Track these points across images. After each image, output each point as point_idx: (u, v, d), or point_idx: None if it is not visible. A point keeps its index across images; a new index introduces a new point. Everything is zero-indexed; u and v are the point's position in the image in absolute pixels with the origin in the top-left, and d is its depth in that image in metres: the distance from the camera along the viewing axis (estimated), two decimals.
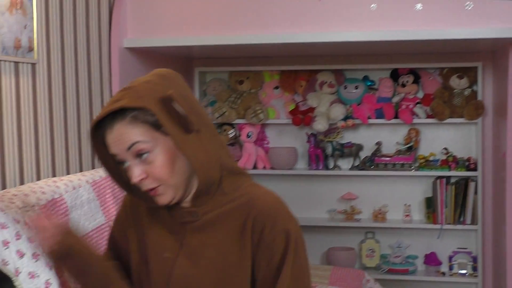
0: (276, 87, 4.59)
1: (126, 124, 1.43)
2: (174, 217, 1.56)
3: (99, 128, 1.48)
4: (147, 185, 1.47)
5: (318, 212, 4.56)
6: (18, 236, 1.77)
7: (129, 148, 1.44)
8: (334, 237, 4.61)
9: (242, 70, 4.54)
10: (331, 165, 4.47)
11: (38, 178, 2.54)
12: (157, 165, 1.45)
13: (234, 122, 4.54)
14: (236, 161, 1.59)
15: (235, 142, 4.63)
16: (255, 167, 4.58)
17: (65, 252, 1.56)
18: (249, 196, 1.53)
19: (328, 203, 4.59)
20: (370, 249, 4.51)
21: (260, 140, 4.65)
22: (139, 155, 1.44)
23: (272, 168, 4.57)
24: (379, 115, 4.34)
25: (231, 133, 4.59)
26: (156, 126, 1.44)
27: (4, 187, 2.31)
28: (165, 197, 1.49)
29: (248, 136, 4.54)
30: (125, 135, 1.43)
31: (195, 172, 1.47)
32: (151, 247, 1.59)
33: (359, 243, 4.57)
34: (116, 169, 1.55)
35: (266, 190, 1.57)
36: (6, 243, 1.73)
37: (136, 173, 1.45)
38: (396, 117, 4.30)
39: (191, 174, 1.50)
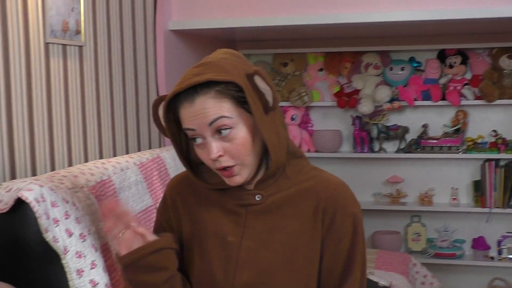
0: (321, 69, 4.54)
1: (211, 98, 1.38)
2: (234, 199, 1.52)
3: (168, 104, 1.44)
4: (223, 162, 1.42)
5: (364, 196, 4.50)
6: (67, 216, 1.77)
7: (212, 122, 1.38)
8: (379, 221, 4.56)
9: (286, 52, 4.49)
10: (377, 148, 4.41)
11: (86, 160, 2.55)
12: (237, 142, 1.40)
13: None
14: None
15: None
16: None
17: (132, 264, 1.46)
18: (316, 179, 1.51)
19: (373, 186, 4.55)
20: (416, 233, 4.45)
21: (304, 123, 4.61)
22: (219, 131, 1.39)
23: (316, 151, 4.53)
24: (426, 97, 4.26)
25: None
26: (240, 102, 1.40)
27: (53, 169, 2.33)
28: (239, 178, 1.45)
29: (292, 119, 4.51)
30: (209, 110, 1.38)
31: (265, 153, 1.46)
32: (209, 231, 1.55)
33: (404, 226, 4.52)
34: (181, 146, 1.52)
35: (331, 174, 1.56)
36: (56, 221, 1.73)
37: (216, 149, 1.40)
38: (443, 98, 4.21)
39: (262, 156, 1.49)
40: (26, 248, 1.70)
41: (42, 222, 1.68)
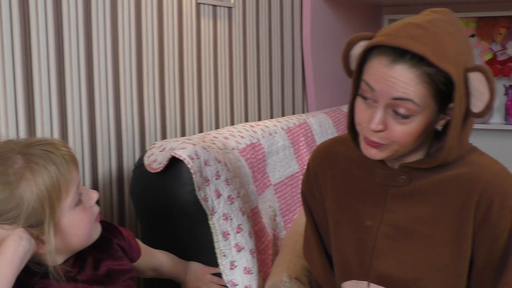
0: (472, 35, 4.26)
1: (413, 74, 1.16)
2: (375, 177, 1.36)
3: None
4: (376, 137, 1.23)
5: None
6: (217, 176, 1.72)
7: (397, 99, 1.18)
8: None
9: None
10: None
11: (232, 123, 2.52)
12: (407, 130, 1.20)
13: None
14: None
15: None
16: None
17: None
18: (472, 165, 1.28)
19: None
20: None
21: None
22: (397, 108, 1.19)
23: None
24: None
25: None
26: (439, 95, 1.19)
27: (201, 131, 2.30)
28: (379, 154, 1.26)
29: None
30: (404, 85, 1.17)
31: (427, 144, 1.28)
32: (346, 210, 1.40)
33: None
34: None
35: (491, 159, 1.33)
36: (207, 180, 1.68)
37: (378, 120, 1.20)
38: None
39: (423, 142, 1.29)
40: (178, 207, 1.67)
41: (197, 179, 1.63)
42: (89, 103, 1.76)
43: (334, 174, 1.44)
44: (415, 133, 1.22)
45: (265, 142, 2.19)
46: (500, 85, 4.18)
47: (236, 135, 2.07)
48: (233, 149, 1.95)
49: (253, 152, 2.07)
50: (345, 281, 1.41)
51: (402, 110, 1.19)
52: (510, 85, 4.08)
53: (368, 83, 1.22)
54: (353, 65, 1.29)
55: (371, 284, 1.35)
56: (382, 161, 1.33)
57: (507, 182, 1.28)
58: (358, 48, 1.28)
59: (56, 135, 1.65)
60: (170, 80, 2.11)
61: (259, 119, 2.75)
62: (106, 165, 1.85)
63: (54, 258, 1.15)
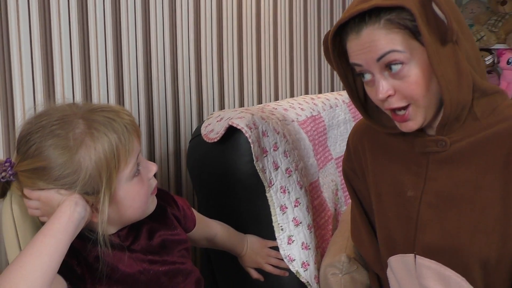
0: None
1: (379, 29, 1.15)
2: (415, 146, 1.29)
3: (337, 35, 1.23)
4: (394, 103, 1.19)
5: None
6: (275, 148, 1.66)
7: (380, 58, 1.15)
8: None
9: None
10: None
11: (292, 95, 2.46)
12: (411, 80, 1.16)
13: (493, 47, 4.11)
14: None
15: (492, 69, 4.21)
16: None
17: None
18: (510, 119, 1.20)
19: None
20: None
21: None
22: (389, 66, 1.16)
23: None
24: None
25: (489, 59, 4.17)
26: (415, 33, 1.15)
27: (259, 103, 2.25)
28: (413, 123, 1.20)
29: (508, 63, 4.09)
30: (378, 42, 1.15)
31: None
32: (387, 184, 1.34)
33: None
34: (354, 85, 1.31)
35: None
36: (265, 151, 1.62)
37: (385, 87, 1.18)
38: None
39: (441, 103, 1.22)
40: (236, 178, 1.61)
41: (255, 149, 1.57)
42: (146, 73, 1.73)
43: (373, 148, 1.39)
44: (420, 79, 1.17)
45: (325, 115, 2.11)
46: None
47: (296, 107, 2.00)
48: (293, 121, 1.89)
49: (314, 124, 2.00)
50: (390, 256, 1.36)
51: (392, 63, 1.16)
52: None
53: (354, 63, 1.21)
54: (333, 60, 1.28)
55: (418, 256, 1.29)
56: (420, 130, 1.27)
57: None
58: (329, 46, 1.27)
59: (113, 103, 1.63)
60: (228, 51, 2.06)
61: (320, 92, 2.68)
62: (163, 136, 1.82)
63: (106, 227, 1.11)
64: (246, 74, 2.16)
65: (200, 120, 1.94)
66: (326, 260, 1.59)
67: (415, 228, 1.28)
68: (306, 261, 1.63)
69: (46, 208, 1.08)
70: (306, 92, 2.56)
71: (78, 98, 1.52)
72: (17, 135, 1.10)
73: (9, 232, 1.13)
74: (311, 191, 1.77)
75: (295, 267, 1.61)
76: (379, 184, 1.37)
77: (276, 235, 1.62)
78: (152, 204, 1.22)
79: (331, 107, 2.18)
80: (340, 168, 2.09)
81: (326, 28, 2.71)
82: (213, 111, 1.99)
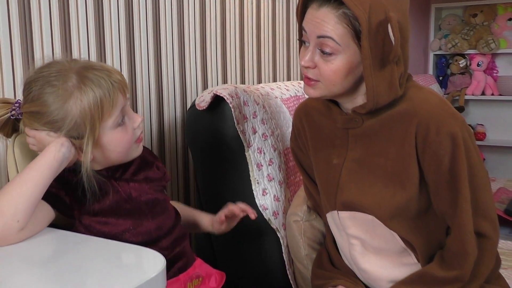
0: (510, 19, 3.80)
1: (333, 15, 1.05)
2: (337, 123, 1.21)
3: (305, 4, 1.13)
4: (310, 73, 1.11)
5: None
6: (254, 115, 1.52)
7: (320, 37, 1.07)
8: None
9: (477, 4, 3.83)
10: None
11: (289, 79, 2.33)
12: (332, 68, 1.08)
13: (465, 52, 3.89)
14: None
15: (465, 71, 3.99)
16: (483, 94, 3.92)
17: None
18: (411, 100, 1.13)
19: None
20: None
21: (490, 69, 3.92)
22: (323, 47, 1.07)
23: (500, 94, 3.86)
24: None
25: (462, 62, 3.95)
26: (358, 36, 1.05)
27: (259, 83, 2.13)
28: (313, 92, 1.13)
29: (478, 65, 3.87)
30: (326, 24, 1.06)
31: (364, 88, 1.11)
32: (320, 155, 1.27)
33: None
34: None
35: (428, 92, 1.15)
36: (245, 118, 1.49)
37: (307, 57, 1.09)
38: None
39: (360, 85, 1.13)
40: (222, 140, 1.48)
41: (236, 114, 1.44)
42: (155, 52, 1.63)
43: (310, 126, 1.30)
44: (339, 71, 1.08)
45: None
46: None
47: (282, 88, 1.86)
48: (276, 97, 1.75)
49: (296, 103, 1.85)
50: (326, 213, 1.30)
51: (325, 48, 1.07)
52: None
53: (303, 27, 1.11)
54: (298, 24, 1.17)
55: (339, 211, 1.23)
56: (341, 109, 1.20)
57: (441, 111, 1.10)
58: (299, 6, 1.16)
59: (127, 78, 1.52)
60: (231, 35, 1.95)
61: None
62: (171, 108, 1.72)
63: (91, 166, 1.02)
64: (247, 58, 2.05)
65: (185, 99, 1.83)
66: (290, 210, 1.46)
67: (337, 188, 1.21)
68: (276, 211, 1.49)
69: (39, 146, 1.02)
70: (289, 79, 2.42)
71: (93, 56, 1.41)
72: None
73: (12, 169, 1.09)
74: (287, 155, 1.64)
75: (267, 215, 1.47)
76: (315, 156, 1.29)
77: (253, 187, 1.48)
78: (135, 151, 1.11)
79: None
80: None
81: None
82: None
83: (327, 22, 1.06)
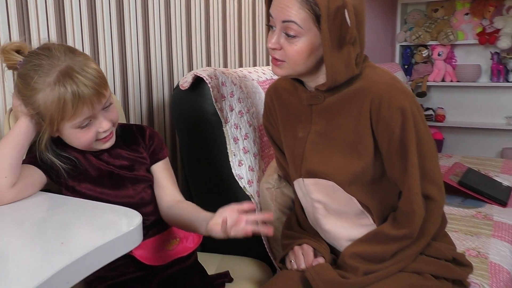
0: (467, 14, 3.83)
1: (296, 1, 1.06)
2: (302, 100, 1.21)
3: None
4: (275, 54, 1.12)
5: (496, 118, 3.81)
6: (231, 95, 1.54)
7: (284, 21, 1.07)
8: (509, 139, 3.83)
9: (438, 0, 3.85)
10: (511, 78, 3.65)
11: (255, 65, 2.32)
12: (295, 49, 1.08)
13: (427, 43, 3.91)
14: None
15: (428, 60, 4.01)
16: (443, 80, 3.94)
17: None
18: (366, 79, 1.13)
19: (506, 110, 3.80)
20: None
21: (449, 59, 3.96)
22: (287, 31, 1.08)
23: (458, 81, 3.89)
24: None
25: (425, 52, 3.97)
26: (318, 20, 1.05)
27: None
28: (279, 71, 1.14)
29: (439, 54, 3.90)
30: (289, 9, 1.06)
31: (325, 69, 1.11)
32: (288, 130, 1.27)
33: None
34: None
35: (381, 71, 1.16)
36: (223, 97, 1.51)
37: (274, 40, 1.10)
38: None
39: (321, 65, 1.13)
40: (202, 116, 1.50)
41: (214, 93, 1.46)
42: (144, 37, 1.61)
43: (280, 104, 1.31)
44: (302, 52, 1.09)
45: None
46: (487, 52, 3.77)
47: (259, 72, 1.87)
48: (253, 80, 1.76)
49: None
50: (293, 181, 1.32)
51: (290, 31, 1.08)
52: (496, 52, 3.66)
53: (270, 14, 1.11)
54: (266, 11, 1.17)
55: (304, 179, 1.24)
56: (305, 88, 1.21)
57: (392, 87, 1.11)
58: None
59: (117, 63, 1.51)
60: (214, 23, 1.93)
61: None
62: (159, 90, 1.71)
63: (44, 150, 1.04)
64: (228, 44, 2.03)
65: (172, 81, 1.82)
66: (263, 179, 1.48)
67: (301, 159, 1.22)
68: (251, 179, 1.51)
69: (15, 112, 1.03)
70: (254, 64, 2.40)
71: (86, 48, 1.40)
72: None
73: None
74: (261, 131, 1.65)
75: (243, 183, 1.49)
76: (284, 130, 1.30)
77: (230, 159, 1.50)
78: (99, 146, 1.09)
79: None
80: None
81: None
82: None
83: (291, 8, 1.06)
